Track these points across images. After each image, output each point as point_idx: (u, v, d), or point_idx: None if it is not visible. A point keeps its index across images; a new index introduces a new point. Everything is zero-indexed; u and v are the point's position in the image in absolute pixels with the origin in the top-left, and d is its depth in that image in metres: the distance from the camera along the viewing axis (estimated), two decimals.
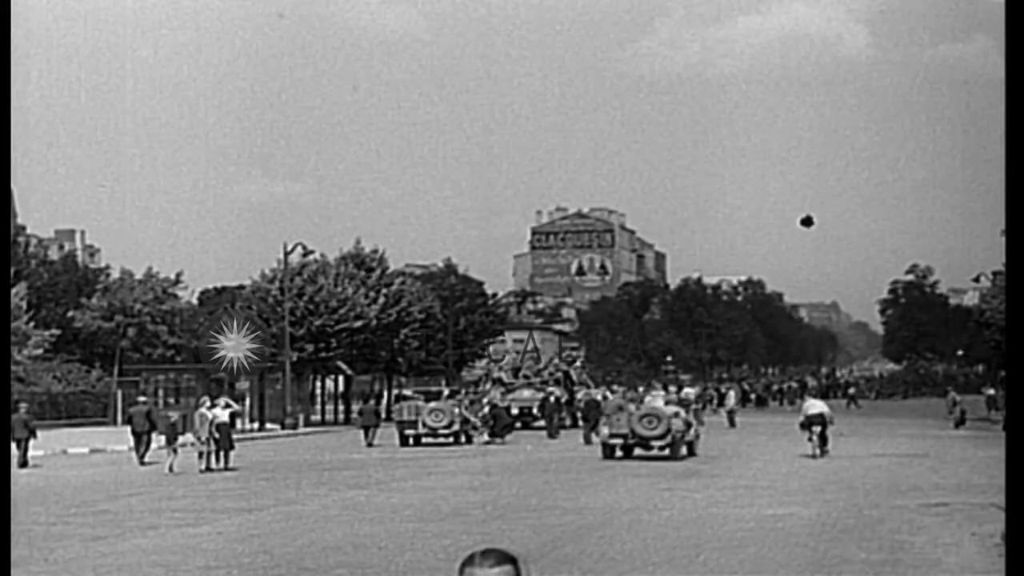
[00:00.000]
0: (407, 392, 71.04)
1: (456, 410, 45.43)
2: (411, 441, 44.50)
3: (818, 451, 36.64)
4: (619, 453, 36.23)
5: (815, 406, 38.59)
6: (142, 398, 42.89)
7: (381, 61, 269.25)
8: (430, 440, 44.51)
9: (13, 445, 35.67)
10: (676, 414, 36.92)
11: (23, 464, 35.42)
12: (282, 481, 29.86)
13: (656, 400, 39.09)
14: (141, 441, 36.71)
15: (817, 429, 36.85)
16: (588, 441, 42.68)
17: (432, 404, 46.02)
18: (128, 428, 38.77)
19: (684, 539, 18.16)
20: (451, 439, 44.48)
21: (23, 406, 38.78)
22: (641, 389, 57.87)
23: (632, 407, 37.92)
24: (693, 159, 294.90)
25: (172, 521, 21.30)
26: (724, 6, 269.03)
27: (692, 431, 37.77)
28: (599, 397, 55.94)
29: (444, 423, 44.42)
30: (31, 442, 36.00)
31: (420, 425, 44.49)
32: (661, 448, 36.01)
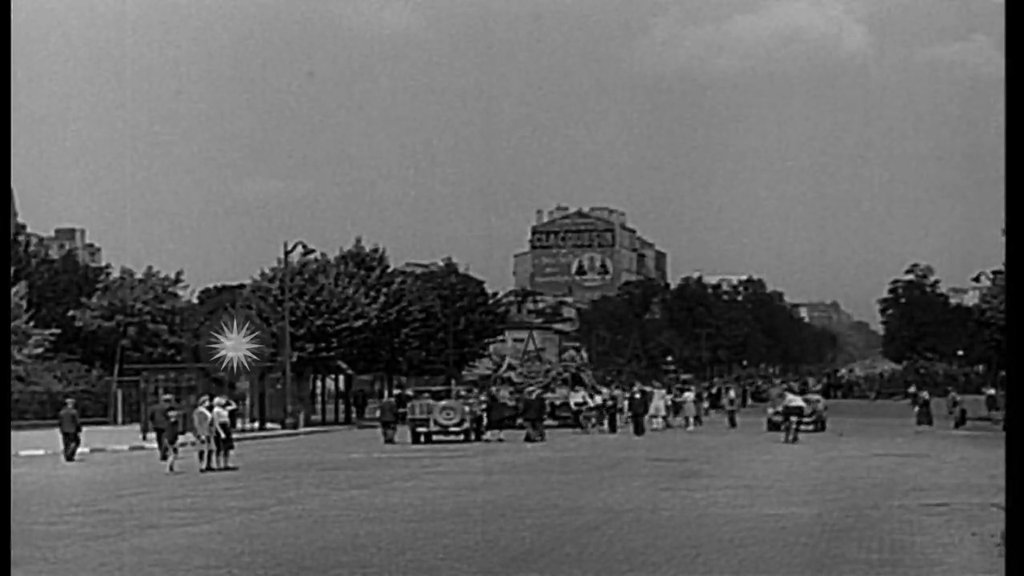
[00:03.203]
0: (409, 392, 71.10)
1: (466, 408, 46.70)
2: (422, 439, 45.62)
3: (791, 437, 43.58)
4: (782, 425, 46.89)
5: (794, 400, 46.98)
6: (166, 396, 43.20)
7: (380, 60, 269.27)
8: (441, 437, 45.62)
9: (60, 439, 37.95)
10: (818, 400, 54.41)
11: (70, 457, 37.39)
12: (282, 481, 29.85)
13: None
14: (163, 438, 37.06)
15: (793, 419, 44.52)
16: (530, 439, 46.05)
17: (443, 402, 47.15)
18: (128, 426, 39.05)
19: (684, 539, 18.16)
20: (462, 436, 45.65)
21: (70, 402, 39.83)
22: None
23: (788, 396, 49.52)
24: (693, 158, 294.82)
25: (172, 521, 21.30)
26: (722, 5, 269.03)
27: (825, 412, 53.11)
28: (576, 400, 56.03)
29: (455, 421, 45.71)
30: (79, 436, 38.16)
31: (432, 423, 45.68)
32: (807, 423, 48.58)
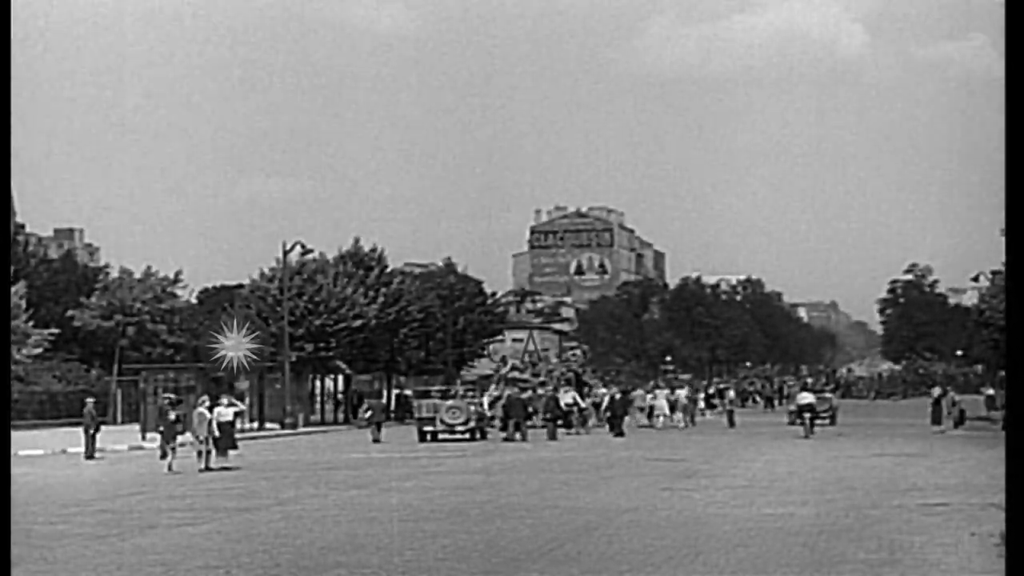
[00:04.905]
0: (408, 392, 71.15)
1: (472, 407, 47.51)
2: (428, 437, 46.30)
3: (808, 432, 47.03)
4: (797, 420, 51.36)
5: (805, 398, 50.70)
6: (165, 396, 43.37)
7: (379, 60, 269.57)
8: (447, 436, 46.19)
9: (83, 437, 38.51)
10: (831, 397, 62.23)
11: (90, 456, 37.92)
12: (281, 480, 29.84)
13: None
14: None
15: (807, 415, 48.39)
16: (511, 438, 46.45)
17: (450, 402, 47.78)
18: (127, 426, 39.22)
19: (684, 539, 18.16)
20: (467, 435, 46.34)
21: (90, 401, 40.29)
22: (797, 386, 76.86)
23: (802, 393, 53.04)
24: (692, 158, 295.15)
25: (171, 520, 21.29)
26: (720, 5, 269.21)
27: (837, 407, 61.37)
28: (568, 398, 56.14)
29: (461, 420, 46.52)
30: (97, 435, 38.72)
31: (438, 422, 46.41)
32: (823, 417, 54.56)
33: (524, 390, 57.23)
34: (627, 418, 53.11)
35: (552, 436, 47.24)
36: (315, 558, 16.68)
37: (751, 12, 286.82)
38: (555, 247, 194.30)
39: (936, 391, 59.44)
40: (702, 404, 70.50)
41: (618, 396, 54.55)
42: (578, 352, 73.57)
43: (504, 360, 70.30)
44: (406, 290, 71.25)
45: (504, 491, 26.16)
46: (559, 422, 51.27)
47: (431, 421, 46.67)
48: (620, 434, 49.28)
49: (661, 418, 57.35)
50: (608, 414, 52.29)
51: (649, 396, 61.70)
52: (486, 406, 51.09)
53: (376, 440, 46.11)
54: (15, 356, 55.28)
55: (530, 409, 50.50)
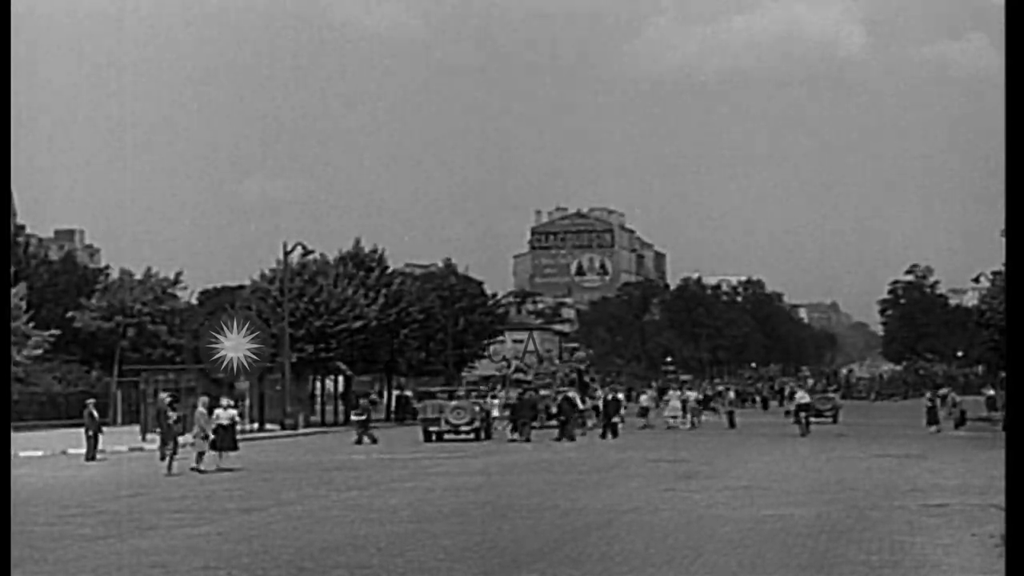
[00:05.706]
0: (408, 393, 71.19)
1: (476, 408, 47.85)
2: (433, 438, 46.67)
3: (804, 431, 48.95)
4: (795, 419, 52.09)
5: (803, 397, 53.67)
6: (165, 397, 43.34)
7: (380, 60, 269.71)
8: (452, 436, 46.59)
9: (84, 439, 38.35)
10: (834, 397, 67.96)
11: (91, 457, 37.64)
12: (281, 481, 29.83)
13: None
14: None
15: (803, 415, 50.50)
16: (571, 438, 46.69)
17: (455, 402, 48.23)
18: (127, 427, 39.22)
19: (684, 540, 18.15)
20: (472, 436, 46.69)
21: (91, 402, 40.17)
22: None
23: (799, 392, 57.32)
24: (692, 159, 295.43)
25: (171, 522, 21.28)
26: (720, 5, 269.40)
27: (840, 407, 65.34)
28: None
29: (466, 420, 46.84)
30: (99, 436, 38.63)
31: (443, 422, 46.75)
32: (826, 415, 60.29)
33: (527, 391, 57.28)
34: (617, 419, 52.92)
35: (560, 437, 46.99)
36: (316, 559, 16.66)
37: (751, 13, 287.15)
38: (556, 248, 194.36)
39: (941, 391, 59.87)
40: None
41: (610, 398, 54.54)
42: (582, 353, 73.70)
43: (507, 362, 70.41)
44: (407, 291, 71.26)
45: (505, 492, 26.15)
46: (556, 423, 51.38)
47: (436, 421, 46.99)
48: (613, 435, 49.19)
49: (671, 419, 57.69)
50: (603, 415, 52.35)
51: (644, 397, 62.10)
52: (494, 407, 51.26)
53: (373, 441, 45.31)
54: (15, 357, 55.25)
55: (539, 408, 50.66)
